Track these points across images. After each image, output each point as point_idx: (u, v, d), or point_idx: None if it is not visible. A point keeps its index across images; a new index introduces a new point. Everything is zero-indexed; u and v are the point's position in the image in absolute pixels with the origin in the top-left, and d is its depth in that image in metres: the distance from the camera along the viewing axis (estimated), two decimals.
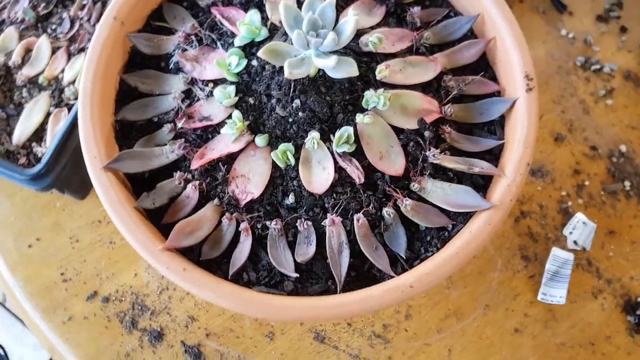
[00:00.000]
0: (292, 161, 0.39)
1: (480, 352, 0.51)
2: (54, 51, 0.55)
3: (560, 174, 0.57)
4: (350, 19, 0.35)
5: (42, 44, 0.55)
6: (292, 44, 0.37)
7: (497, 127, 0.42)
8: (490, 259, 0.54)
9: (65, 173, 0.48)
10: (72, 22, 0.56)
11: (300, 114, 0.39)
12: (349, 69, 0.36)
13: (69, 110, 0.52)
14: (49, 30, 0.56)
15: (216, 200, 0.39)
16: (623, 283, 0.53)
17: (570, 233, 0.54)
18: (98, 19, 0.56)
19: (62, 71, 0.54)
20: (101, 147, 0.39)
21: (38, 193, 0.56)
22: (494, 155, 0.41)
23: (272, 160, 0.39)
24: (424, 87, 0.42)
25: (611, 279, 0.53)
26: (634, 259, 0.53)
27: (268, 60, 0.37)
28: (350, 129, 0.39)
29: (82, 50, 0.55)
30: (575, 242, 0.54)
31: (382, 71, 0.40)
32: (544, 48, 0.63)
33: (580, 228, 0.54)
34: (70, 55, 0.55)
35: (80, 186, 0.53)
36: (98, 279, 0.53)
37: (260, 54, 0.36)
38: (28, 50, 0.55)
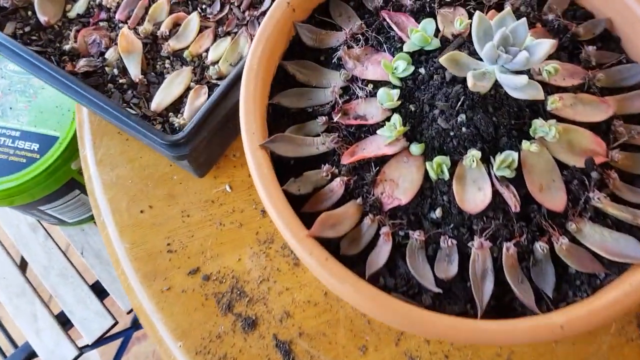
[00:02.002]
0: (447, 175, 0.38)
1: None
2: (201, 30, 0.57)
3: None
4: (546, 42, 0.34)
5: (192, 19, 0.57)
6: (471, 55, 0.37)
7: None
8: None
9: (200, 147, 0.49)
10: (222, 5, 0.58)
11: (463, 129, 0.38)
12: (534, 92, 0.35)
13: (210, 88, 0.53)
14: (198, 9, 0.58)
15: (359, 200, 0.39)
16: None
17: None
18: (248, 7, 0.58)
19: (207, 50, 0.55)
20: (259, 126, 0.39)
21: (157, 163, 0.57)
22: None
23: (425, 170, 0.38)
24: (592, 128, 0.40)
25: None
26: None
27: (448, 68, 0.36)
28: (515, 154, 0.37)
29: (228, 34, 0.57)
30: None
31: (555, 102, 0.39)
32: None
33: None
34: (216, 37, 0.56)
35: (204, 163, 0.54)
36: (202, 257, 0.53)
37: (441, 60, 0.36)
38: (176, 25, 0.57)
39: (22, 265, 0.98)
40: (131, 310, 0.93)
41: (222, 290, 0.52)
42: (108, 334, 0.95)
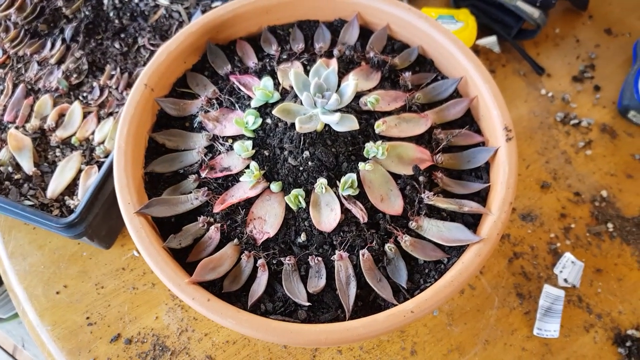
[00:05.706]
0: (303, 204, 0.44)
1: None
2: (85, 115, 0.62)
3: (548, 218, 0.62)
4: (350, 83, 0.42)
5: (75, 109, 0.62)
6: (301, 104, 0.44)
7: (483, 172, 0.47)
8: (488, 297, 0.57)
9: (96, 223, 0.53)
10: (102, 90, 0.64)
11: (309, 163, 0.44)
12: (351, 123, 0.42)
13: (99, 167, 0.57)
14: (80, 98, 0.63)
15: (236, 240, 0.44)
16: (612, 317, 0.56)
17: (561, 272, 0.58)
18: (125, 87, 0.63)
19: (93, 133, 0.60)
20: (133, 195, 0.44)
21: (66, 244, 0.61)
22: (481, 197, 0.46)
23: (286, 203, 0.44)
24: (417, 140, 0.48)
25: (601, 314, 0.56)
26: (621, 295, 0.57)
27: (281, 117, 0.43)
28: (354, 175, 0.44)
29: (110, 114, 0.62)
30: (565, 280, 0.58)
31: (379, 126, 0.46)
32: (526, 106, 0.70)
33: (570, 267, 0.58)
34: (99, 119, 0.62)
35: (107, 235, 0.58)
36: (121, 322, 0.57)
37: (274, 112, 0.43)
38: (61, 115, 0.62)
39: None
40: None
41: (145, 349, 0.55)
42: None
